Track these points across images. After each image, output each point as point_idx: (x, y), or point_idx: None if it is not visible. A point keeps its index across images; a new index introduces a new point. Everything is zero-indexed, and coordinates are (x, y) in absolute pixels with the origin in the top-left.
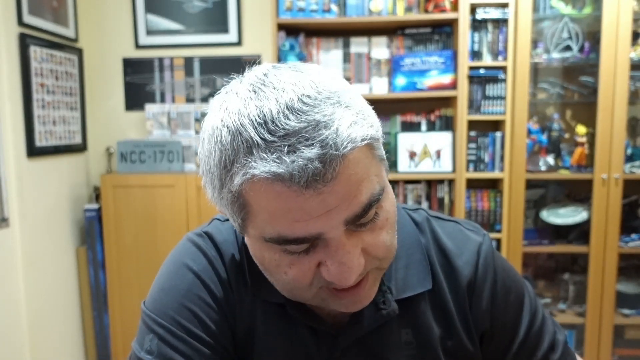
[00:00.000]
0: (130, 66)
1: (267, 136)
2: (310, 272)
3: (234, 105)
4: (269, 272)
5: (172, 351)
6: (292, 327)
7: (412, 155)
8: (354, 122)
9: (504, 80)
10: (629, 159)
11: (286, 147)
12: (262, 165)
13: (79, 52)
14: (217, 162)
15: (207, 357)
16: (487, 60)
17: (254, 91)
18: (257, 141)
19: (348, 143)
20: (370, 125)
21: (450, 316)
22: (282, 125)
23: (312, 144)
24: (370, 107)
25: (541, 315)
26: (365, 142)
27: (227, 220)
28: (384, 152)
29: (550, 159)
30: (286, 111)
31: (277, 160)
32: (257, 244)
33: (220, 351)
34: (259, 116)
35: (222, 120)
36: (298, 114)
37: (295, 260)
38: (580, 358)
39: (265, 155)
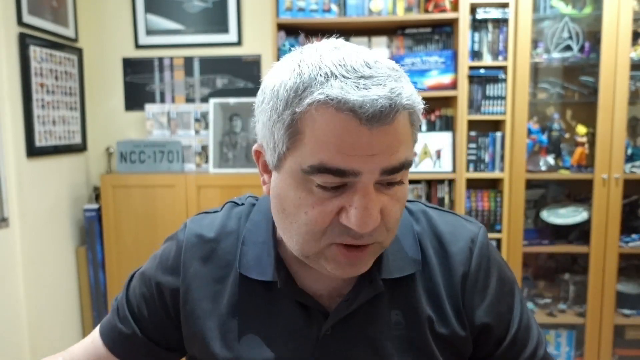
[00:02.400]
0: (130, 66)
1: (345, 73)
2: (330, 215)
3: (315, 53)
4: (287, 213)
5: (125, 304)
6: (281, 306)
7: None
8: (414, 92)
9: (504, 80)
10: (629, 159)
11: (360, 85)
12: (338, 89)
13: (79, 52)
14: (289, 88)
15: (149, 315)
16: (487, 60)
17: (336, 47)
18: (335, 73)
19: (410, 100)
20: (423, 104)
21: (440, 300)
22: (358, 69)
23: (383, 87)
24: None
25: (527, 312)
26: (419, 108)
27: (216, 212)
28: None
29: (551, 159)
30: (364, 63)
31: (351, 90)
32: (287, 180)
33: (166, 320)
34: (339, 61)
35: (302, 61)
36: (373, 67)
37: (320, 201)
38: None
39: (340, 84)
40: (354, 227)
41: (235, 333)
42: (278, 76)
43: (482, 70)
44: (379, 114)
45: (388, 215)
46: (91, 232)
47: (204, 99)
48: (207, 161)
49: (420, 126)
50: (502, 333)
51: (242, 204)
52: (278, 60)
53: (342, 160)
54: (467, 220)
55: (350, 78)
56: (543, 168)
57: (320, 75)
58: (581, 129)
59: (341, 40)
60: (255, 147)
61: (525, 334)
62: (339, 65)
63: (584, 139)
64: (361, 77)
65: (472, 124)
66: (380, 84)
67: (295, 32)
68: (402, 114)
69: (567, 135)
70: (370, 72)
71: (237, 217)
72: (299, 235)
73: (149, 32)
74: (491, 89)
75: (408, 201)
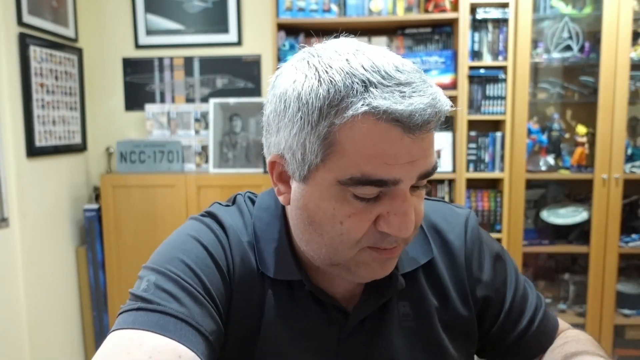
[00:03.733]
0: (130, 66)
1: (382, 81)
2: (368, 224)
3: (338, 57)
4: (316, 225)
5: (164, 293)
6: (300, 306)
7: None
8: (442, 92)
9: (504, 80)
10: (629, 159)
11: (403, 92)
12: (382, 99)
13: (79, 52)
14: (322, 97)
15: (200, 307)
16: (487, 60)
17: (357, 50)
18: (372, 81)
19: (447, 104)
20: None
21: (445, 288)
22: (394, 75)
23: (424, 95)
24: None
25: (522, 281)
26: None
27: (229, 205)
28: None
29: (551, 159)
30: (394, 67)
31: (396, 100)
32: (317, 191)
33: (210, 305)
34: (371, 66)
35: (328, 66)
36: (404, 72)
37: (356, 210)
38: (562, 321)
39: (383, 93)
40: (396, 233)
41: (257, 333)
42: (299, 82)
43: (482, 70)
44: (426, 123)
45: (418, 215)
46: (91, 232)
47: (204, 99)
48: (207, 161)
49: None
50: (499, 306)
51: (244, 200)
52: (279, 60)
53: (385, 171)
54: (455, 206)
55: (390, 86)
56: (543, 168)
57: (357, 83)
58: (581, 129)
59: (354, 40)
60: (271, 158)
61: (522, 304)
62: (373, 71)
63: (584, 139)
64: (399, 84)
65: (472, 124)
66: (420, 91)
67: (296, 32)
68: None
69: (567, 135)
70: (406, 78)
71: (248, 211)
72: (331, 245)
73: (149, 32)
74: (491, 89)
75: None
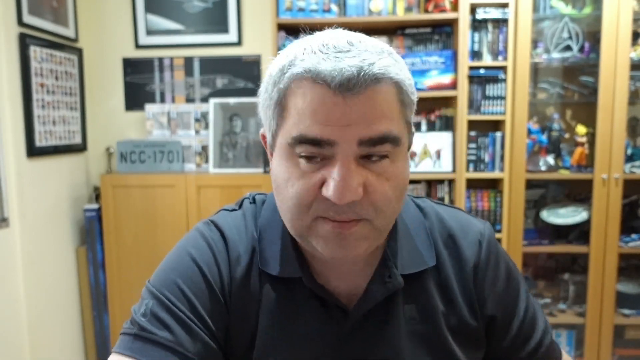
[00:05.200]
0: (130, 66)
1: (323, 49)
2: (314, 188)
3: (309, 37)
4: (279, 190)
5: (158, 322)
6: (300, 304)
7: (412, 155)
8: (393, 64)
9: (504, 80)
10: (629, 159)
11: (337, 57)
12: (309, 62)
13: (79, 52)
14: (278, 69)
15: (189, 333)
16: (487, 60)
17: (332, 31)
18: (314, 50)
19: (383, 69)
20: (407, 78)
21: (452, 293)
22: (338, 46)
23: (355, 57)
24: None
25: (532, 302)
26: (396, 80)
27: (235, 209)
28: (412, 119)
29: (550, 159)
30: (347, 41)
31: (323, 61)
32: (279, 156)
33: (200, 329)
34: (325, 40)
35: (295, 44)
36: (355, 44)
37: (304, 173)
38: (566, 354)
39: (314, 57)
40: (332, 197)
41: (255, 334)
42: (275, 59)
43: (482, 70)
44: (346, 82)
45: (374, 192)
46: (91, 232)
47: (204, 99)
48: (207, 161)
49: (413, 108)
50: (506, 325)
51: (252, 202)
52: None
53: (319, 130)
54: (472, 216)
55: (327, 53)
56: (543, 168)
57: (303, 53)
58: (581, 129)
59: (350, 32)
60: (260, 131)
61: (530, 326)
62: (322, 44)
63: (584, 139)
64: (339, 51)
65: (472, 124)
66: (354, 56)
67: (296, 32)
68: (382, 86)
69: (567, 135)
70: (349, 48)
71: (252, 214)
72: (289, 211)
73: (149, 32)
74: (491, 89)
75: (415, 197)
